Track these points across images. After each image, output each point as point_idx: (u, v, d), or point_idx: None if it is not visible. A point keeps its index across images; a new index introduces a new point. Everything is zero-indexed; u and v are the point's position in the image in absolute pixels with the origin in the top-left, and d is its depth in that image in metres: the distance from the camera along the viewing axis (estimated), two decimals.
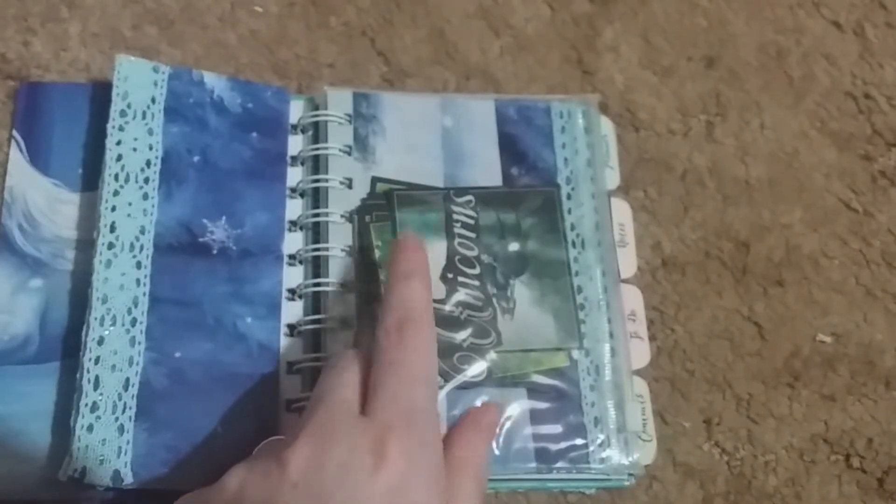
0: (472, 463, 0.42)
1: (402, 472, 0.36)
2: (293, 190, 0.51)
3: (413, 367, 0.39)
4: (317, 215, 0.50)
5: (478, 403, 0.47)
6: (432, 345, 0.41)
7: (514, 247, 0.51)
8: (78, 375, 0.44)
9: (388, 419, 0.37)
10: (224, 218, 0.49)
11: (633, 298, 0.52)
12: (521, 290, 0.50)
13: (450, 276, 0.49)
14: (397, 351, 0.40)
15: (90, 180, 0.49)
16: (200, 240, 0.48)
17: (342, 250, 0.49)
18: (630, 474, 0.48)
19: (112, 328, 0.45)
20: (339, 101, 0.52)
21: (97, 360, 0.44)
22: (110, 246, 0.46)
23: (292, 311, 0.48)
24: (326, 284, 0.48)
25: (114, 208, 0.47)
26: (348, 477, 0.35)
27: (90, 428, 0.43)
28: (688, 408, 0.51)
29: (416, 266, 0.44)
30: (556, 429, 0.47)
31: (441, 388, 0.47)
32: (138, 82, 0.49)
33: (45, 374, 0.46)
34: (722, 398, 0.51)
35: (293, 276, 0.49)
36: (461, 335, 0.48)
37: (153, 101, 0.49)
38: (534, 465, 0.46)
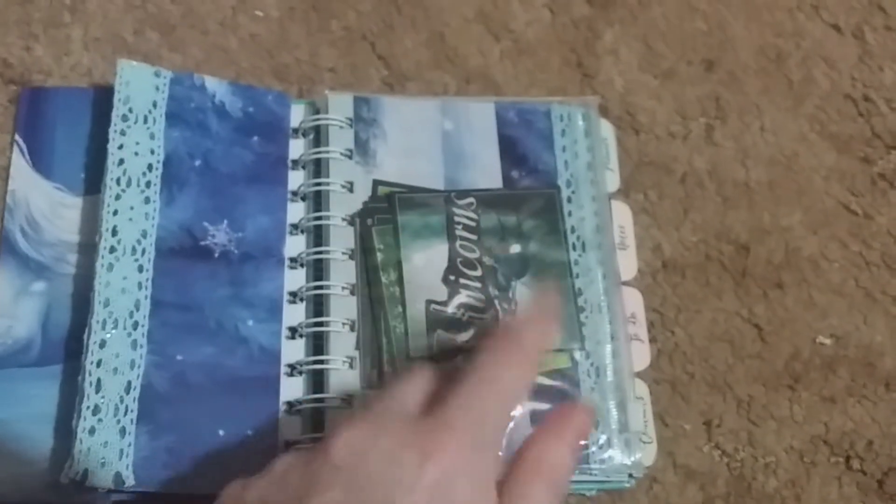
0: (545, 465, 0.37)
1: (448, 467, 0.34)
2: (294, 193, 0.51)
3: (494, 382, 0.37)
4: (318, 219, 0.50)
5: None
6: (524, 382, 0.39)
7: (515, 249, 0.51)
8: (80, 378, 0.44)
9: (448, 418, 0.35)
10: (225, 221, 0.49)
11: (633, 301, 0.52)
12: (523, 291, 0.50)
13: (452, 278, 0.49)
14: (485, 368, 0.38)
15: (92, 184, 0.49)
16: (202, 243, 0.48)
17: (343, 253, 0.49)
18: (630, 475, 0.48)
19: (114, 331, 0.45)
20: (339, 105, 0.52)
21: (99, 364, 0.44)
22: (112, 250, 0.46)
23: (294, 315, 0.49)
24: (328, 287, 0.48)
25: (116, 212, 0.47)
26: (393, 466, 0.34)
27: (92, 431, 0.43)
28: (688, 410, 0.51)
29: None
30: None
31: None
32: (140, 87, 0.50)
33: (47, 377, 0.46)
34: (722, 400, 0.51)
35: (294, 279, 0.49)
36: (463, 337, 0.48)
37: (155, 105, 0.50)
38: None
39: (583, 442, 0.42)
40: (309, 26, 0.57)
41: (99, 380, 0.44)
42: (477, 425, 0.36)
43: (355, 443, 0.34)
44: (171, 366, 0.45)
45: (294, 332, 0.48)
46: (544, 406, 0.47)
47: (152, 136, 0.49)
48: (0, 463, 0.44)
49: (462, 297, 0.49)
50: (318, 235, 0.50)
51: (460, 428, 0.35)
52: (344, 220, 0.50)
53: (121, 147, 0.48)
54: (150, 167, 0.48)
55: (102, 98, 0.50)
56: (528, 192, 0.52)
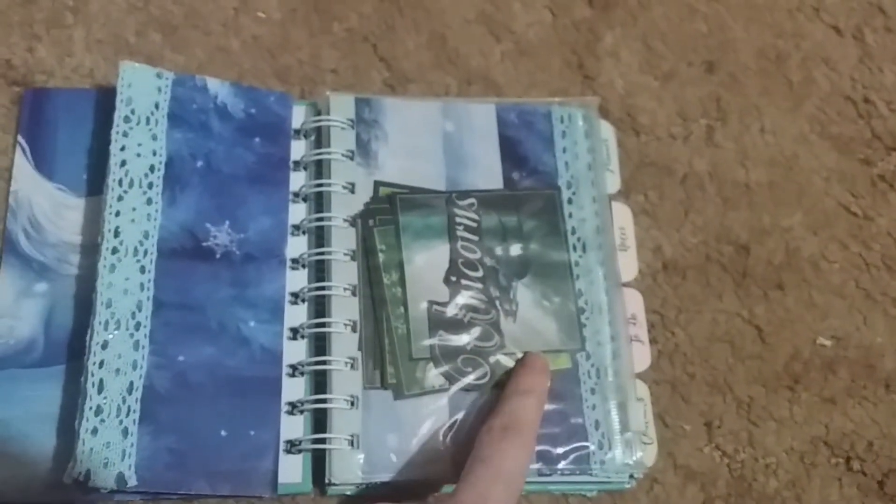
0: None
1: None
2: (296, 194, 0.51)
3: (500, 466, 0.42)
4: (320, 219, 0.50)
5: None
6: (526, 456, 0.44)
7: (515, 249, 0.51)
8: (82, 379, 0.44)
9: (458, 501, 0.40)
10: (227, 222, 0.49)
11: (633, 302, 0.52)
12: (524, 292, 0.50)
13: (453, 279, 0.49)
14: (491, 448, 0.43)
15: (95, 185, 0.49)
16: (204, 244, 0.48)
17: (345, 254, 0.49)
18: (631, 476, 0.48)
19: (116, 332, 0.45)
20: (341, 107, 0.52)
21: (101, 364, 0.44)
22: (114, 251, 0.46)
23: (295, 315, 0.49)
24: (330, 288, 0.48)
25: (118, 213, 0.47)
26: None
27: (94, 431, 0.43)
28: (688, 411, 0.51)
29: (536, 386, 0.47)
30: (558, 431, 0.47)
31: (445, 391, 0.47)
32: (142, 88, 0.50)
33: (49, 378, 0.46)
34: (722, 401, 0.52)
35: (296, 279, 0.49)
36: (465, 338, 0.48)
37: (157, 106, 0.50)
38: (536, 466, 0.46)
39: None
40: (311, 28, 0.57)
41: (101, 380, 0.44)
42: None
43: None
44: (173, 366, 0.46)
45: (296, 332, 0.48)
46: (545, 407, 0.47)
47: (154, 138, 0.49)
48: (2, 463, 0.44)
49: (463, 298, 0.49)
50: (319, 236, 0.50)
51: None
52: (345, 220, 0.50)
53: (123, 148, 0.48)
54: (152, 168, 0.48)
55: (105, 99, 0.50)
56: (528, 193, 0.53)
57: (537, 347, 0.49)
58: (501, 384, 0.47)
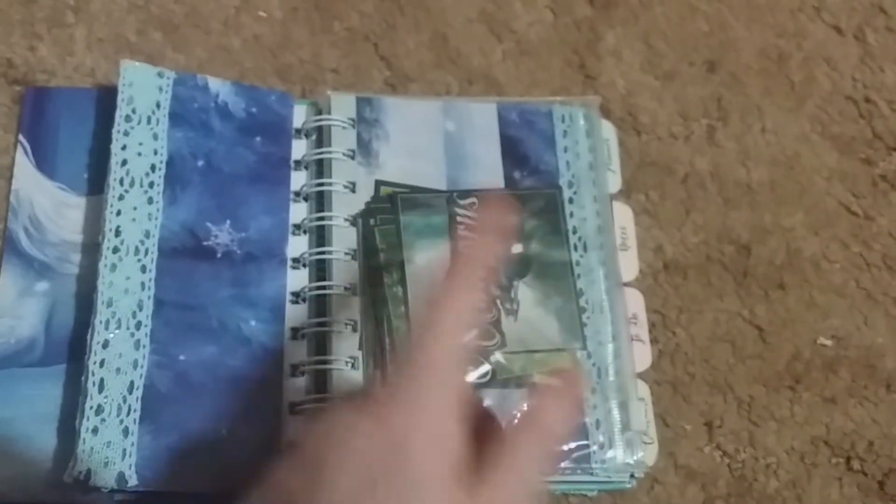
0: (541, 424, 0.37)
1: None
2: (297, 194, 0.51)
3: (455, 308, 0.36)
4: (321, 219, 0.50)
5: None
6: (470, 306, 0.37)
7: (517, 249, 0.51)
8: (83, 378, 0.44)
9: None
10: (228, 222, 0.49)
11: (634, 302, 0.52)
12: (525, 291, 0.50)
13: None
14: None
15: (95, 184, 0.49)
16: (205, 243, 0.48)
17: (346, 253, 0.49)
18: (632, 475, 0.48)
19: (117, 331, 0.45)
20: (342, 106, 0.52)
21: (102, 364, 0.44)
22: (115, 250, 0.46)
23: (296, 315, 0.49)
24: (331, 287, 0.48)
25: (119, 213, 0.47)
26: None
27: (95, 430, 0.43)
28: (689, 410, 0.51)
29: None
30: None
31: None
32: (143, 87, 0.50)
33: (50, 377, 0.46)
34: (723, 401, 0.52)
35: (297, 279, 0.49)
36: (466, 337, 0.48)
37: (158, 106, 0.50)
38: None
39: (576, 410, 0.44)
40: (312, 27, 0.57)
41: (102, 380, 0.44)
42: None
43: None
44: (174, 366, 0.46)
45: (296, 332, 0.48)
46: None
47: (155, 137, 0.49)
48: (3, 462, 0.44)
49: None
50: (320, 236, 0.50)
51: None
52: (346, 220, 0.50)
53: (124, 147, 0.48)
54: (153, 167, 0.48)
55: (106, 98, 0.50)
56: (529, 193, 0.53)
57: (539, 346, 0.49)
58: (500, 381, 0.47)
